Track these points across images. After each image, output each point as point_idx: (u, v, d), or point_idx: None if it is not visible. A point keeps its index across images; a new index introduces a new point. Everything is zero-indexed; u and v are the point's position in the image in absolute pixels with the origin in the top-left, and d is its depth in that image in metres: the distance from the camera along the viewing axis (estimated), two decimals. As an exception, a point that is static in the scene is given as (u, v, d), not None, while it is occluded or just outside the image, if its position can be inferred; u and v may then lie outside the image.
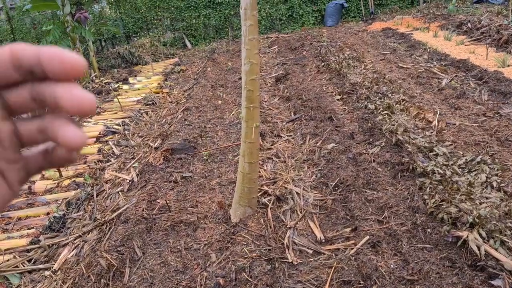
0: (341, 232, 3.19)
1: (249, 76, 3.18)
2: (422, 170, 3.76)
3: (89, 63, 9.64)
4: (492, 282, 2.50)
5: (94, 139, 5.56)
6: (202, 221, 3.49)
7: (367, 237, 3.07)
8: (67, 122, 0.38)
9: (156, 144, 5.22)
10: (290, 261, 2.92)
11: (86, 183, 4.46)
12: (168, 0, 12.91)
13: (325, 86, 6.82)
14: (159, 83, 8.37)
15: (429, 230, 3.09)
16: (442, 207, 3.18)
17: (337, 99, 6.11)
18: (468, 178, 3.51)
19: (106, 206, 4.02)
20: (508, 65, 6.66)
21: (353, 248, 2.97)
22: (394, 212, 3.36)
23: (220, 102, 6.78)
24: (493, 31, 8.56)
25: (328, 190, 3.74)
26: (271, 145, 4.73)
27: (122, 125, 5.96)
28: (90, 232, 3.67)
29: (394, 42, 9.66)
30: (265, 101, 6.34)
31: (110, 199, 4.15)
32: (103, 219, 3.75)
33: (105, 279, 2.97)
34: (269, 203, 3.57)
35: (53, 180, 4.65)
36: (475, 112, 5.06)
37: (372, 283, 2.63)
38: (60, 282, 3.07)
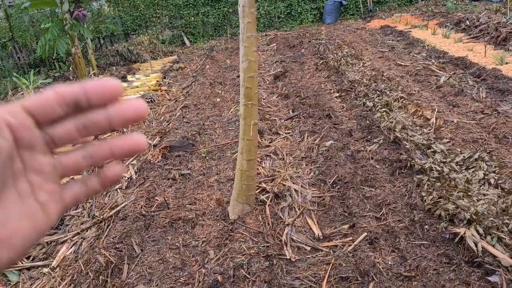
0: (339, 229, 3.20)
1: (247, 74, 3.18)
2: (420, 167, 3.76)
3: (87, 60, 9.63)
4: (489, 278, 2.51)
5: (93, 136, 5.55)
6: (200, 218, 3.50)
7: (365, 233, 3.08)
8: (111, 150, 0.43)
9: (154, 142, 5.22)
10: (288, 257, 2.92)
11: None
12: (167, -3, 12.91)
13: (324, 83, 6.82)
14: (157, 81, 8.36)
15: (426, 226, 3.10)
16: (439, 204, 3.19)
17: (336, 97, 6.11)
18: (465, 175, 3.52)
19: (105, 204, 4.03)
20: (506, 63, 6.67)
21: (351, 245, 2.98)
22: (392, 209, 3.37)
23: (218, 99, 6.78)
24: (491, 28, 8.57)
25: (326, 187, 3.74)
26: (270, 143, 4.73)
27: (121, 123, 5.96)
28: (89, 229, 3.68)
29: (393, 40, 9.66)
30: (263, 99, 6.34)
31: (109, 197, 4.15)
32: (101, 216, 3.75)
33: (103, 276, 2.97)
34: (267, 200, 3.57)
35: (51, 178, 4.64)
36: (473, 109, 5.07)
37: (370, 279, 2.64)
38: (59, 279, 3.07)
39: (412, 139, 4.30)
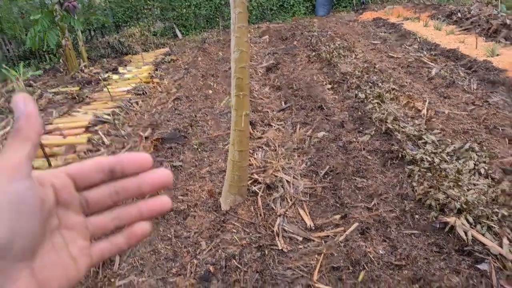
0: (331, 219, 3.21)
1: (238, 64, 3.16)
2: (411, 158, 3.78)
3: (78, 52, 9.53)
4: (479, 266, 2.54)
5: (83, 128, 5.52)
6: (192, 210, 3.49)
7: (356, 224, 3.09)
8: (139, 212, 0.48)
9: (146, 134, 5.20)
10: (280, 248, 2.93)
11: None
12: (158, -11, 12.79)
13: (316, 75, 6.81)
14: (149, 73, 8.31)
15: (417, 216, 3.12)
16: (430, 194, 3.21)
17: (328, 88, 6.11)
18: (456, 166, 3.55)
19: (96, 196, 4.00)
20: (497, 55, 6.71)
21: (342, 235, 3.00)
22: (383, 199, 3.38)
23: (210, 91, 6.75)
24: (482, 20, 8.60)
25: (318, 178, 3.75)
26: (262, 134, 4.73)
27: (112, 115, 5.92)
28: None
29: (385, 32, 9.67)
30: (255, 91, 6.32)
31: (100, 189, 4.13)
32: (93, 208, 3.73)
33: (95, 267, 2.96)
34: (259, 191, 3.57)
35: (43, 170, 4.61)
36: (464, 100, 5.10)
37: (361, 268, 2.66)
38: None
39: (403, 130, 4.31)
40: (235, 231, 3.15)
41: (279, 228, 3.12)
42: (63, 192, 0.44)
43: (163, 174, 0.48)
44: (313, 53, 8.05)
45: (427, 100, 5.12)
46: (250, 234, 3.11)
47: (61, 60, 9.65)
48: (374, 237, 2.96)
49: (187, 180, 3.99)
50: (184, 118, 5.57)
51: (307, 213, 3.29)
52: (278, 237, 3.04)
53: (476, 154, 3.67)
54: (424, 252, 2.76)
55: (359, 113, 4.97)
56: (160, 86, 7.40)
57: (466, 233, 2.72)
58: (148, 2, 12.87)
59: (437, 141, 4.04)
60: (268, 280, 2.65)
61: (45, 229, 0.41)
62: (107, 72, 8.72)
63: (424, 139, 4.08)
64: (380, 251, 2.83)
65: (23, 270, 0.39)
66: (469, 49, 7.24)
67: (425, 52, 7.40)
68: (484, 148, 3.81)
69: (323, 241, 2.97)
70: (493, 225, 2.76)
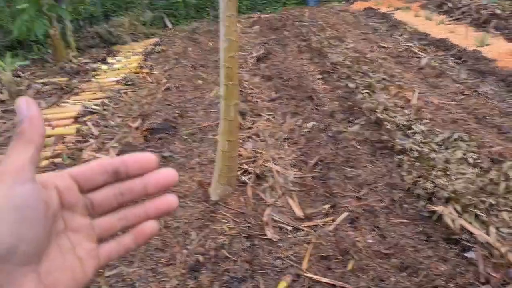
0: (320, 209, 3.22)
1: (227, 53, 3.14)
2: (401, 147, 3.80)
3: (66, 42, 9.41)
4: (466, 254, 2.57)
5: (72, 119, 5.46)
6: (182, 200, 3.48)
7: (346, 213, 3.11)
8: (145, 212, 0.48)
9: (136, 124, 5.16)
10: (270, 237, 2.94)
11: (64, 164, 4.40)
12: (148, -22, 12.63)
13: (306, 65, 6.80)
14: (139, 63, 8.22)
15: (406, 205, 3.14)
16: (419, 183, 3.23)
17: (318, 78, 6.10)
18: (445, 155, 3.57)
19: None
20: (487, 44, 6.74)
21: (331, 224, 3.01)
22: (373, 189, 3.40)
23: (200, 82, 6.71)
24: (473, 10, 8.63)
25: (307, 168, 3.75)
26: (252, 124, 4.71)
27: (101, 106, 5.85)
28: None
29: (376, 22, 9.66)
30: (246, 81, 6.29)
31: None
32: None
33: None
34: (249, 181, 3.57)
35: (30, 161, 4.55)
36: (453, 90, 5.12)
37: (350, 257, 2.67)
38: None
39: (393, 120, 4.32)
40: (224, 221, 3.15)
41: (268, 218, 3.12)
42: (67, 195, 0.43)
43: (169, 173, 0.48)
44: (304, 43, 8.03)
45: (417, 90, 5.13)
46: (240, 224, 3.11)
47: (49, 50, 9.52)
48: (363, 226, 2.97)
49: (177, 171, 3.96)
50: (174, 109, 5.54)
51: (297, 203, 3.30)
52: (267, 226, 3.04)
53: (465, 144, 3.70)
54: (412, 240, 2.78)
55: (349, 103, 4.98)
56: (149, 76, 7.33)
57: (453, 222, 2.74)
58: (138, -9, 12.71)
59: (426, 130, 4.06)
60: (257, 270, 2.66)
61: (50, 232, 0.41)
62: (96, 62, 8.62)
63: (414, 129, 4.10)
64: (369, 240, 2.84)
65: (29, 274, 0.39)
66: (459, 39, 7.26)
67: (415, 42, 7.41)
68: (473, 137, 3.84)
69: (312, 231, 2.98)
70: (481, 214, 2.78)
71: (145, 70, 7.68)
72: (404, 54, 6.79)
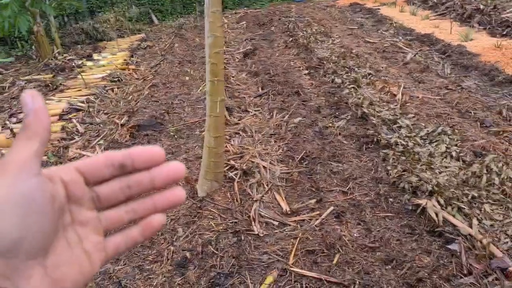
0: (307, 203, 3.24)
1: (212, 49, 3.13)
2: (386, 142, 3.84)
3: (51, 39, 9.30)
4: (449, 246, 2.61)
5: (57, 117, 5.41)
6: (168, 197, 3.47)
7: (332, 208, 3.13)
8: (153, 204, 0.48)
9: (122, 121, 5.13)
10: (256, 233, 2.95)
11: (49, 162, 4.36)
12: (133, -27, 12.51)
13: (293, 61, 6.81)
14: (125, 60, 8.16)
15: (391, 199, 3.17)
16: (403, 177, 3.26)
17: (305, 74, 6.12)
18: (429, 149, 3.61)
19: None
20: (471, 39, 6.81)
21: (317, 219, 3.03)
22: (358, 183, 3.43)
23: (187, 78, 6.69)
24: (457, 6, 8.70)
25: (294, 163, 3.77)
26: (239, 120, 4.72)
27: (87, 103, 5.81)
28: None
29: (362, 17, 9.71)
30: (232, 77, 6.29)
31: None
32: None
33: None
34: (236, 177, 3.58)
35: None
36: (437, 85, 5.17)
37: (336, 251, 2.70)
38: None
39: (379, 114, 4.36)
40: (211, 217, 3.15)
41: (255, 213, 3.14)
42: (73, 188, 0.43)
43: (176, 167, 0.47)
44: (290, 39, 8.04)
45: (402, 85, 5.18)
46: (227, 220, 3.12)
47: (33, 47, 9.40)
48: (349, 220, 3.00)
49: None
50: (161, 105, 5.52)
51: (283, 198, 3.32)
52: (254, 222, 3.06)
53: (448, 138, 3.74)
54: (397, 234, 2.82)
55: (336, 98, 5.00)
56: (136, 73, 7.29)
57: (437, 215, 2.78)
58: (123, -14, 12.59)
59: (411, 125, 4.10)
60: (244, 265, 2.67)
61: (57, 226, 0.41)
62: (81, 59, 8.53)
63: (399, 123, 4.14)
64: (354, 234, 2.87)
65: (35, 268, 0.39)
66: (443, 34, 7.33)
67: (400, 37, 7.47)
68: (456, 131, 3.89)
69: (298, 226, 3.01)
70: (463, 206, 2.83)
71: (131, 67, 7.63)
72: (390, 49, 6.84)
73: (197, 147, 4.30)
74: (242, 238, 2.91)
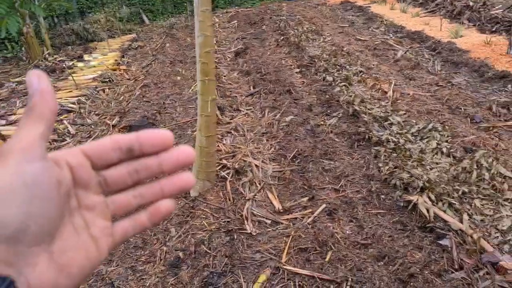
0: (299, 201, 3.25)
1: (203, 49, 3.13)
2: (377, 139, 3.85)
3: (41, 40, 9.24)
4: (440, 242, 2.63)
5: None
6: (161, 197, 3.46)
7: (324, 205, 3.14)
8: (161, 189, 0.46)
9: (113, 122, 5.11)
10: (249, 232, 2.95)
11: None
12: (123, -27, 12.45)
13: (284, 59, 6.82)
14: (116, 60, 8.13)
15: (383, 196, 3.19)
16: (395, 174, 3.28)
17: (296, 72, 6.13)
18: (420, 145, 3.63)
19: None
20: (461, 36, 6.85)
21: (310, 217, 3.04)
22: (350, 180, 3.44)
23: (179, 78, 6.67)
24: (447, 2, 8.75)
25: (286, 162, 3.78)
26: (230, 119, 4.72)
27: (78, 104, 5.78)
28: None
29: (353, 15, 9.73)
30: (224, 76, 6.28)
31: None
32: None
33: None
34: (228, 176, 3.58)
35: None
36: (428, 82, 5.20)
37: (328, 249, 2.71)
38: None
39: (370, 112, 4.38)
40: (204, 216, 3.15)
41: (248, 212, 3.14)
42: (80, 172, 0.42)
43: (185, 151, 0.46)
44: (282, 37, 8.04)
45: (393, 82, 5.20)
46: (219, 219, 3.12)
47: (23, 48, 9.33)
48: (341, 217, 3.01)
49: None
50: (152, 105, 5.50)
51: (276, 197, 3.32)
52: (247, 221, 3.06)
53: (439, 134, 3.77)
54: (389, 230, 2.84)
55: (327, 96, 5.01)
56: (127, 73, 7.26)
57: (428, 211, 2.79)
58: (113, -13, 12.53)
59: (402, 122, 4.12)
60: (237, 264, 2.67)
61: (63, 211, 0.40)
62: (72, 59, 8.48)
63: (390, 120, 4.16)
64: (347, 231, 2.88)
65: (41, 254, 0.38)
66: (434, 31, 7.37)
67: (391, 35, 7.50)
68: (447, 127, 3.91)
69: (291, 224, 3.01)
70: (454, 202, 2.85)
71: (122, 67, 7.60)
72: (381, 47, 6.86)
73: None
74: (235, 237, 2.91)
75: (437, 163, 3.34)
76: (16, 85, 7.09)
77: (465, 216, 2.73)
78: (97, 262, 0.43)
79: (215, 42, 8.33)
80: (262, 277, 2.55)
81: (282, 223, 3.03)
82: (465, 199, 2.93)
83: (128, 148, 0.44)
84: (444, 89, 4.90)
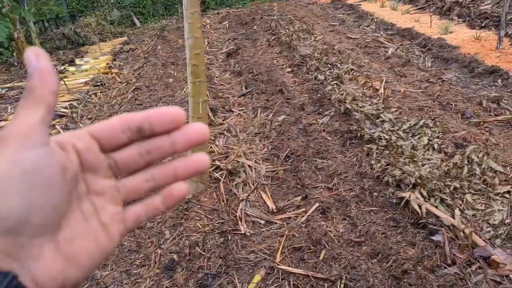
0: (292, 201, 3.26)
1: (193, 51, 3.14)
2: (370, 136, 3.87)
3: (32, 45, 9.19)
4: (433, 237, 2.65)
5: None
6: (154, 200, 3.46)
7: (317, 204, 3.15)
8: (174, 172, 0.44)
9: (106, 126, 5.09)
10: (243, 232, 2.96)
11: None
12: (113, -24, 12.42)
13: (276, 59, 6.83)
14: (107, 63, 8.11)
15: (375, 193, 3.20)
16: (387, 171, 3.30)
17: (288, 72, 6.14)
18: (412, 142, 3.66)
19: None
20: (451, 32, 6.89)
21: (303, 216, 3.05)
22: (343, 178, 3.46)
23: (171, 80, 6.67)
24: (436, -1, 8.80)
25: (279, 161, 3.79)
26: (223, 120, 4.72)
27: (70, 108, 5.76)
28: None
29: (343, 14, 9.76)
30: (216, 77, 6.29)
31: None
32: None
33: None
34: (222, 177, 3.58)
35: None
36: (419, 78, 5.23)
37: (322, 247, 2.72)
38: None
39: (362, 109, 4.40)
40: (198, 218, 3.16)
41: (242, 213, 3.15)
42: (87, 155, 0.40)
43: (198, 129, 0.43)
44: (273, 37, 8.06)
45: (384, 79, 5.23)
46: (213, 220, 3.12)
47: (14, 54, 9.29)
48: (335, 216, 3.03)
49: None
50: (145, 108, 5.48)
51: (269, 196, 3.33)
52: (241, 221, 3.06)
53: (430, 130, 3.79)
54: (382, 227, 2.85)
55: (319, 95, 5.03)
56: (119, 77, 7.25)
57: (420, 207, 2.81)
58: (103, -10, 12.50)
59: (394, 119, 4.15)
60: (231, 265, 2.68)
61: (70, 197, 0.38)
62: (63, 64, 8.45)
63: (382, 118, 4.18)
64: (340, 229, 2.90)
65: (46, 245, 0.36)
66: (424, 28, 7.41)
67: (382, 32, 7.53)
68: (438, 123, 3.94)
69: (285, 223, 3.02)
70: (446, 197, 2.87)
71: (114, 70, 7.58)
72: (372, 45, 6.89)
73: (182, 149, 4.29)
74: (229, 238, 2.92)
75: (428, 159, 3.37)
76: (7, 90, 7.06)
77: (457, 211, 2.76)
78: (108, 250, 0.41)
79: (206, 43, 8.33)
80: (257, 278, 2.55)
81: (276, 223, 3.04)
82: (457, 194, 2.95)
83: (138, 128, 0.41)
84: (435, 86, 4.93)
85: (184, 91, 5.96)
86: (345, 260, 2.61)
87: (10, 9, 7.97)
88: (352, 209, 3.08)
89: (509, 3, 5.65)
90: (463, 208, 2.81)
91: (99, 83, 6.83)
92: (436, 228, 2.68)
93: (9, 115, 5.87)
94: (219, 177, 3.59)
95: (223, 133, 4.41)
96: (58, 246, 0.37)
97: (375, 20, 8.45)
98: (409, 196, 2.90)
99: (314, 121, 4.44)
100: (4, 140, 0.35)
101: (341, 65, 5.81)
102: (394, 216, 2.93)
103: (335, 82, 5.22)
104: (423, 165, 3.28)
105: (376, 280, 2.44)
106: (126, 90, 6.40)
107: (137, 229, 3.16)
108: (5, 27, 7.63)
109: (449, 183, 3.01)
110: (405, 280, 2.40)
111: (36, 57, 0.37)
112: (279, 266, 2.62)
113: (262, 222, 3.07)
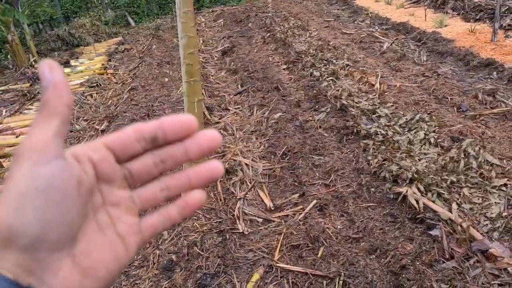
0: (290, 198, 3.25)
1: (187, 50, 3.13)
2: (366, 132, 3.87)
3: (26, 47, 9.16)
4: (430, 232, 2.65)
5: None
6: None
7: (315, 201, 3.15)
8: (188, 180, 0.43)
9: (102, 127, 5.09)
10: (241, 231, 2.96)
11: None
12: (106, -24, 12.37)
13: (271, 56, 6.82)
14: (102, 64, 8.08)
15: (373, 189, 3.20)
16: (384, 166, 3.30)
17: (283, 69, 6.13)
18: (408, 137, 3.65)
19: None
20: (445, 25, 6.89)
21: (301, 213, 3.05)
22: (340, 175, 3.46)
23: (166, 79, 6.65)
24: (431, -8, 8.78)
25: (276, 159, 3.78)
26: (219, 119, 4.71)
27: (65, 110, 5.75)
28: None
29: (338, 9, 9.75)
30: (211, 75, 6.27)
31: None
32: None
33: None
34: (219, 176, 3.57)
35: (-6, 172, 4.45)
36: (414, 73, 5.23)
37: (320, 244, 2.72)
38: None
39: (358, 105, 4.39)
40: (195, 218, 3.15)
41: (239, 212, 3.14)
42: (103, 166, 0.40)
43: (211, 136, 0.43)
44: (268, 34, 8.04)
45: (380, 74, 5.22)
46: (211, 219, 3.12)
47: (9, 56, 9.25)
48: (332, 212, 3.03)
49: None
50: (141, 108, 5.48)
51: (267, 194, 3.33)
52: (239, 220, 3.06)
53: (426, 124, 3.79)
54: (380, 223, 2.85)
55: (315, 91, 5.02)
56: (114, 77, 7.23)
57: (417, 202, 2.81)
58: (97, -10, 12.45)
59: (390, 114, 4.14)
60: (230, 264, 2.68)
61: (86, 210, 0.38)
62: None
63: (378, 113, 4.18)
64: (338, 226, 2.90)
65: (63, 259, 0.36)
66: (418, 22, 7.41)
67: (377, 27, 7.52)
68: (434, 118, 3.94)
69: (283, 221, 3.02)
70: (443, 192, 2.87)
71: (109, 71, 7.56)
72: (367, 40, 6.88)
73: (178, 148, 4.28)
74: (227, 237, 2.91)
75: (425, 154, 3.37)
76: (2, 93, 7.04)
77: (454, 205, 2.76)
78: (125, 262, 0.41)
79: (201, 41, 8.31)
80: (256, 276, 2.55)
81: (273, 221, 3.04)
82: (454, 188, 2.95)
83: (152, 137, 0.41)
84: (431, 79, 4.93)
85: (180, 91, 5.95)
86: (344, 257, 2.61)
87: (3, 12, 7.93)
88: (350, 205, 3.08)
89: (503, -5, 5.64)
90: (460, 202, 2.82)
91: (94, 84, 6.82)
92: (434, 222, 2.68)
93: (4, 118, 5.85)
94: (216, 176, 3.58)
95: (220, 132, 4.39)
96: (74, 258, 0.37)
97: (370, 15, 8.44)
98: (406, 191, 2.90)
99: (310, 118, 4.43)
100: (20, 155, 0.35)
101: (336, 61, 5.81)
102: (392, 211, 2.93)
103: (330, 78, 5.21)
104: (419, 159, 3.28)
105: (374, 276, 2.45)
106: (122, 90, 6.38)
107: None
108: (-1, 30, 7.60)
109: (446, 177, 3.02)
110: (403, 275, 2.40)
111: (49, 69, 0.37)
112: (277, 264, 2.62)
113: (260, 220, 3.07)
